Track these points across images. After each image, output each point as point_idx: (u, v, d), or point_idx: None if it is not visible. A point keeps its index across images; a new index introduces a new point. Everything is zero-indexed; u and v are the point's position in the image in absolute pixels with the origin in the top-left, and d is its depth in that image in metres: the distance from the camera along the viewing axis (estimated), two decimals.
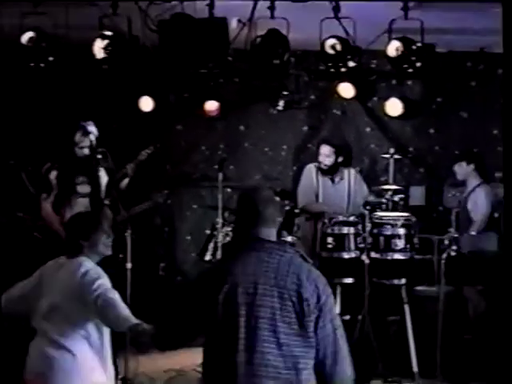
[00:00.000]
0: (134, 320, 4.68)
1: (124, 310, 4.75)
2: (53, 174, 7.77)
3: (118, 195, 7.93)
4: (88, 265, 4.90)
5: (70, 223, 5.38)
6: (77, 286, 4.81)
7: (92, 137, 7.82)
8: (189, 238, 10.53)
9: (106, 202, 7.89)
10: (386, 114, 10.00)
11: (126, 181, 8.25)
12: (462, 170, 8.51)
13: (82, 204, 7.75)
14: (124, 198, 8.02)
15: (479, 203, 8.36)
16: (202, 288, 3.94)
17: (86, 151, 7.89)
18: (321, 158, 8.58)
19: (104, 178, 7.96)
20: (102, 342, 4.91)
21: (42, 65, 6.93)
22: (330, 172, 8.53)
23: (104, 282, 4.83)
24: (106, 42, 6.79)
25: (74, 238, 5.02)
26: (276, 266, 3.84)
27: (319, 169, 8.62)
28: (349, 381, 4.02)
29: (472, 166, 8.49)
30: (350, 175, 8.57)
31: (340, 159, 8.60)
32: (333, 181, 8.55)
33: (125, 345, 6.76)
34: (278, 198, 9.35)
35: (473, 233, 8.20)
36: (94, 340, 4.86)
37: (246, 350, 3.80)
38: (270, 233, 3.98)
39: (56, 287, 4.89)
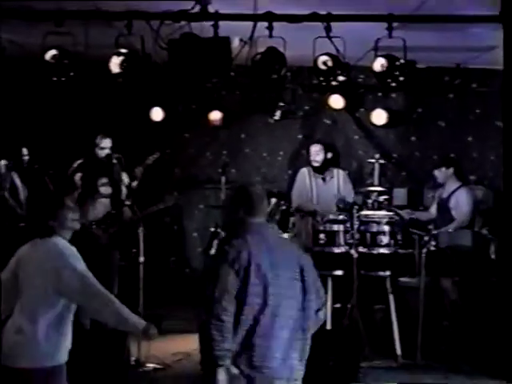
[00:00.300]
0: (143, 321, 4.54)
1: (123, 308, 4.53)
2: (77, 176, 7.82)
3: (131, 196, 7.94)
4: (62, 245, 4.59)
5: (33, 206, 5.13)
6: (53, 267, 4.48)
7: (109, 141, 7.88)
8: (195, 234, 10.55)
9: (127, 202, 7.92)
10: (372, 123, 10.04)
11: (135, 183, 8.25)
12: (442, 174, 8.50)
13: (103, 203, 7.78)
14: (135, 198, 8.04)
15: (461, 203, 8.35)
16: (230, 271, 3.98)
17: (107, 151, 7.93)
18: (312, 157, 8.60)
19: (125, 180, 8.00)
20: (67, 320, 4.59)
21: (63, 79, 6.91)
22: (321, 171, 8.51)
23: (82, 267, 4.56)
24: (121, 58, 6.78)
25: (42, 219, 4.63)
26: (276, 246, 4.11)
27: (312, 168, 8.59)
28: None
29: (451, 170, 8.48)
30: (339, 175, 8.58)
31: (329, 155, 8.58)
32: (324, 180, 8.55)
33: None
34: (275, 199, 9.46)
35: (450, 230, 8.21)
36: (60, 317, 4.54)
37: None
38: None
39: (32, 269, 4.55)
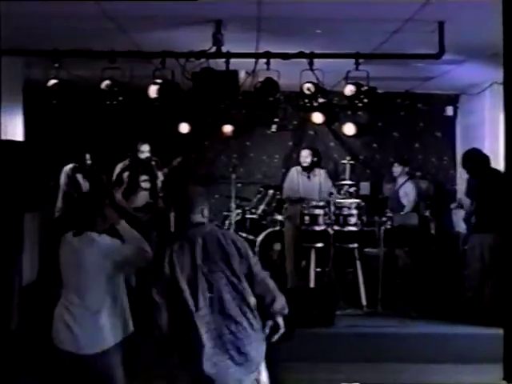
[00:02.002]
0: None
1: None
2: (125, 174, 7.81)
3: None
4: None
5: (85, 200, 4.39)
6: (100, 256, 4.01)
7: (148, 146, 7.89)
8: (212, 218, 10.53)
9: (161, 194, 7.93)
10: (344, 134, 10.05)
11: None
12: (397, 169, 8.53)
13: (143, 195, 7.79)
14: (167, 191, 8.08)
15: (409, 193, 8.36)
16: None
17: (146, 154, 7.93)
18: (302, 159, 8.53)
19: (161, 177, 7.99)
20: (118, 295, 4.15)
21: (114, 103, 6.90)
22: (308, 170, 8.49)
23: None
24: (157, 87, 6.78)
25: (90, 213, 4.09)
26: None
27: (301, 167, 8.55)
28: None
29: (406, 168, 8.50)
30: (321, 173, 8.54)
31: (315, 159, 8.56)
32: (309, 177, 8.52)
33: None
34: (272, 190, 9.43)
35: (402, 213, 8.22)
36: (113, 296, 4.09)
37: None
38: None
39: (78, 261, 4.03)
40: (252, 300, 3.90)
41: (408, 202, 8.32)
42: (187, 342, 3.77)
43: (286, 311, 4.06)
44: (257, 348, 3.86)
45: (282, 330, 4.00)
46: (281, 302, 4.00)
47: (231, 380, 3.77)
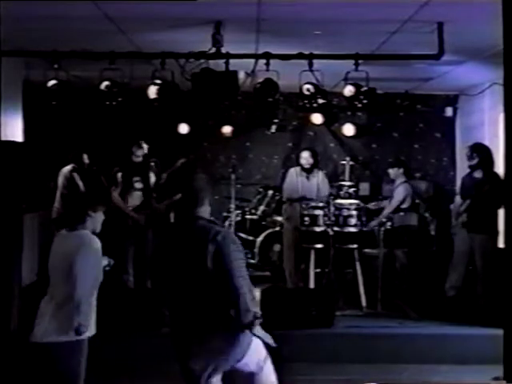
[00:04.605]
0: None
1: None
2: (119, 175, 7.82)
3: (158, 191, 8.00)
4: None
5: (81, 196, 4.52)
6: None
7: (145, 150, 7.88)
8: (212, 218, 10.51)
9: (154, 195, 7.95)
10: (343, 135, 10.05)
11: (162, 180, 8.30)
12: (394, 172, 8.49)
13: (137, 195, 7.81)
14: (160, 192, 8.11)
15: (396, 195, 8.27)
16: None
17: (140, 159, 7.94)
18: (303, 161, 8.46)
19: (152, 178, 8.01)
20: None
21: (114, 103, 6.91)
22: (308, 171, 8.47)
23: None
24: (156, 87, 6.78)
25: (82, 209, 4.18)
26: None
27: (301, 168, 8.52)
28: None
29: (401, 170, 8.47)
30: (319, 174, 8.50)
31: (315, 160, 8.55)
32: (308, 178, 8.50)
33: None
34: (271, 191, 9.43)
35: (386, 211, 8.11)
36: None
37: None
38: None
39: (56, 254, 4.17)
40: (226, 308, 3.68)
41: (392, 204, 8.18)
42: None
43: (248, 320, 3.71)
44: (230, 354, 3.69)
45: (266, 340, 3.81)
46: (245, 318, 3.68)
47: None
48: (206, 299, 3.65)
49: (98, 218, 4.24)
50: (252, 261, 8.98)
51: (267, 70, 6.49)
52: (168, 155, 8.91)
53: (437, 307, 7.30)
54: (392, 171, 8.50)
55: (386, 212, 8.07)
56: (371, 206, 8.43)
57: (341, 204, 7.97)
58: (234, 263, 3.62)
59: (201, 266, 3.62)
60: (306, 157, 8.50)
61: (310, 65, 6.45)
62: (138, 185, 7.83)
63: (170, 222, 3.94)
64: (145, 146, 7.95)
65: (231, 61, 6.38)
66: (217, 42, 6.10)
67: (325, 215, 7.87)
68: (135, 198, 7.77)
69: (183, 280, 3.71)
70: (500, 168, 6.62)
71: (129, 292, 7.35)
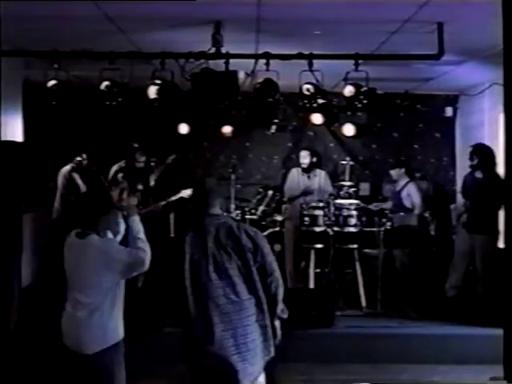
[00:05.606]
0: None
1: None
2: (119, 175, 7.88)
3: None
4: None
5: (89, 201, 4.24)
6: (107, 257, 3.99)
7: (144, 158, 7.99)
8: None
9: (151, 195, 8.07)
10: (343, 135, 10.04)
11: (154, 177, 8.37)
12: (396, 172, 8.50)
13: (136, 196, 7.89)
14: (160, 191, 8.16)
15: (413, 194, 8.30)
16: None
17: (142, 165, 8.03)
18: (301, 160, 8.52)
19: (152, 181, 8.10)
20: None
21: (114, 103, 6.89)
22: (308, 171, 8.48)
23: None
24: (156, 87, 6.77)
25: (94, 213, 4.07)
26: None
27: (300, 168, 8.55)
28: None
29: (403, 170, 8.48)
30: (321, 174, 8.53)
31: (314, 159, 8.55)
32: (309, 177, 8.51)
33: None
34: (271, 191, 9.43)
35: (416, 212, 8.17)
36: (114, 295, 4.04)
37: None
38: None
39: (81, 262, 4.02)
40: (262, 292, 3.92)
41: (416, 205, 8.24)
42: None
43: (286, 316, 4.08)
44: (259, 343, 3.87)
45: (278, 336, 4.04)
46: (280, 307, 4.02)
47: (234, 368, 3.79)
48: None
49: (113, 220, 4.14)
50: None
51: (267, 70, 6.48)
52: (168, 155, 8.91)
53: (437, 307, 7.30)
54: (394, 172, 8.51)
55: (417, 212, 8.14)
56: (373, 206, 8.43)
57: (341, 204, 7.97)
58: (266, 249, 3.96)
59: (238, 252, 3.86)
60: (304, 156, 8.52)
61: (310, 65, 6.44)
62: (139, 187, 7.94)
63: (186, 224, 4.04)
64: (143, 157, 8.10)
65: (231, 61, 6.37)
66: (217, 42, 6.09)
67: (325, 215, 7.87)
68: (133, 199, 7.85)
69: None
70: (500, 168, 6.62)
71: (136, 291, 7.36)
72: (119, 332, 4.06)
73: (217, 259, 3.84)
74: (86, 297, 3.98)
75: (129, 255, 4.02)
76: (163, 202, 8.07)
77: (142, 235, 4.13)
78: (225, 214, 4.16)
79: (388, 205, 8.48)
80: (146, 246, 4.09)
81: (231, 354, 3.78)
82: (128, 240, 4.11)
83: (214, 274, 3.82)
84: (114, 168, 8.24)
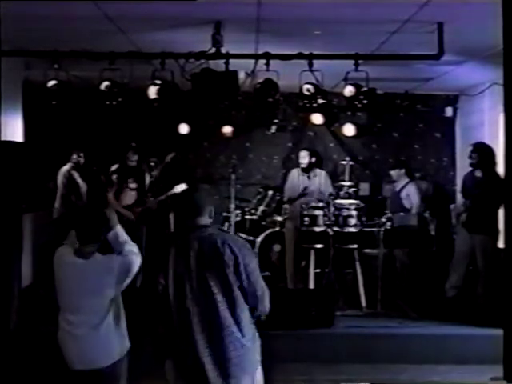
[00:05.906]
0: None
1: None
2: (114, 176, 7.96)
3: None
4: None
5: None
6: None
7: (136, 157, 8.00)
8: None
9: (149, 194, 8.10)
10: (343, 135, 10.05)
11: (153, 174, 8.42)
12: (396, 173, 8.49)
13: (131, 195, 8.01)
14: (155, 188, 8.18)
15: (412, 194, 8.30)
16: None
17: (134, 163, 8.07)
18: (300, 160, 8.51)
19: (147, 179, 8.16)
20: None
21: (114, 103, 6.90)
22: (307, 171, 8.48)
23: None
24: (156, 87, 6.77)
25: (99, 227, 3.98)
26: None
27: (300, 168, 8.55)
28: None
29: (403, 171, 8.48)
30: (321, 174, 8.52)
31: (313, 160, 8.54)
32: (309, 177, 8.51)
33: None
34: (271, 191, 9.43)
35: (414, 211, 8.17)
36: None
37: None
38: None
39: (82, 282, 3.92)
40: (245, 311, 3.70)
41: (414, 205, 8.25)
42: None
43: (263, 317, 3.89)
44: (245, 359, 3.68)
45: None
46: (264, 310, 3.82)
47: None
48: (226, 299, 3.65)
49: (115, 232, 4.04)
50: None
51: (267, 70, 6.49)
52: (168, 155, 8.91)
53: (437, 307, 7.30)
54: (394, 172, 8.50)
55: (414, 211, 8.14)
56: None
57: (341, 204, 7.96)
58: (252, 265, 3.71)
59: (219, 270, 3.62)
60: (303, 157, 8.52)
61: (310, 65, 6.44)
62: (132, 185, 8.07)
63: (172, 232, 3.90)
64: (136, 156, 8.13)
65: (231, 61, 6.37)
66: (217, 42, 6.09)
67: (325, 215, 7.86)
68: (129, 197, 7.98)
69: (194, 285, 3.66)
70: (500, 168, 6.62)
71: (134, 291, 7.36)
72: (123, 345, 4.01)
73: (198, 276, 3.63)
74: (85, 315, 3.90)
75: (129, 263, 3.97)
76: (158, 199, 8.13)
77: (126, 237, 4.06)
78: (212, 224, 3.88)
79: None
80: (134, 247, 4.04)
81: (212, 371, 3.61)
82: (112, 247, 4.04)
83: (197, 291, 3.63)
84: (112, 169, 8.28)
